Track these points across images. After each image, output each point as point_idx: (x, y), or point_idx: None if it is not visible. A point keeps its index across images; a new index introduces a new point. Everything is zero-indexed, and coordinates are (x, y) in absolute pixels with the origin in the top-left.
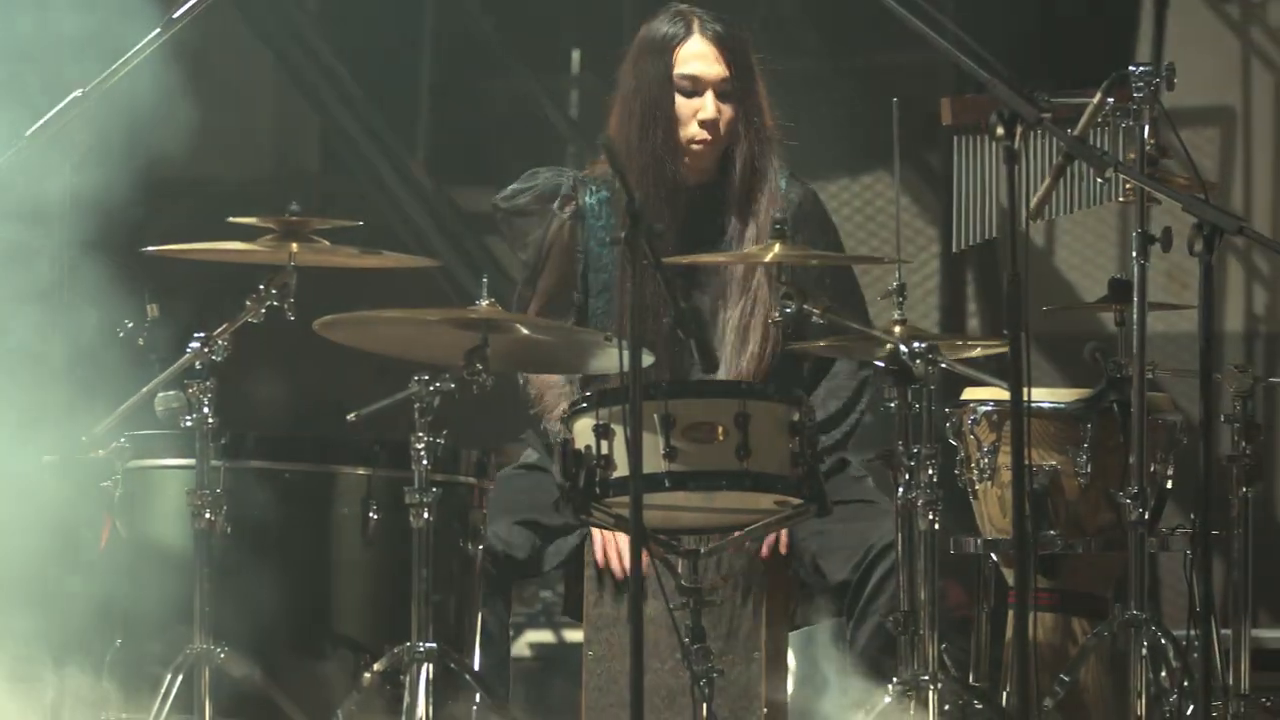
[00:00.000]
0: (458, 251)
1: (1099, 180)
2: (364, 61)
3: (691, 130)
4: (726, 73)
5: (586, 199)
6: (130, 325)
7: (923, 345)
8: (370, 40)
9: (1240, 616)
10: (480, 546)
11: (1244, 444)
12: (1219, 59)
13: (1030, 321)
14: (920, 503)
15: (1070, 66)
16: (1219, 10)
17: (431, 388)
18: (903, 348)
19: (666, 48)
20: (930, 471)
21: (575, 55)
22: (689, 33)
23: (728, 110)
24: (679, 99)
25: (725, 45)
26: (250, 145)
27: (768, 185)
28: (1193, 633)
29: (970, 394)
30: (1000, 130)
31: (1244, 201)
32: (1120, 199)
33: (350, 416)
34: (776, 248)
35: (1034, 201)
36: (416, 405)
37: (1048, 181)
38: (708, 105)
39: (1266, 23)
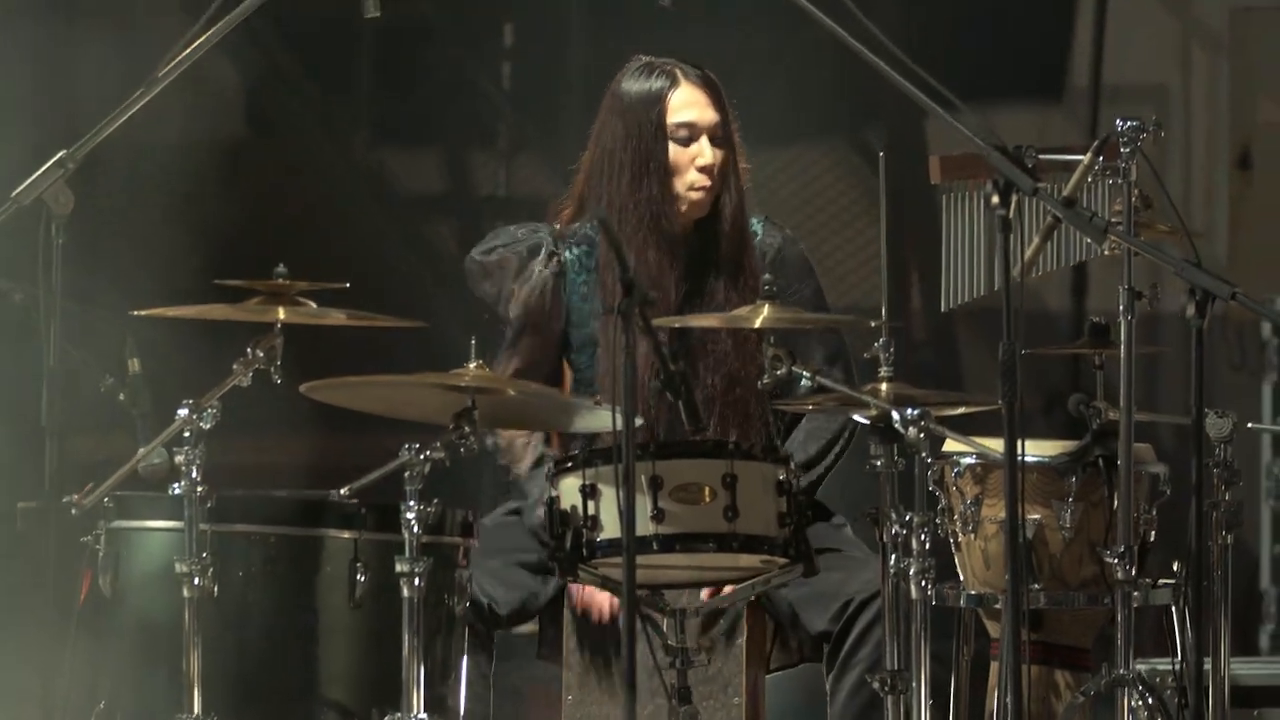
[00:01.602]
0: (398, 229)
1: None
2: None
3: (690, 177)
4: (719, 117)
5: (567, 255)
6: (112, 380)
7: (915, 412)
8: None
9: (1221, 660)
10: (466, 603)
11: (1225, 490)
12: (1157, 38)
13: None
14: (913, 571)
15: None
16: None
17: (421, 456)
18: (894, 414)
19: (655, 99)
20: (924, 539)
21: (508, 28)
22: (675, 82)
23: (721, 155)
24: (674, 148)
25: (712, 90)
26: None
27: (750, 236)
28: (1177, 666)
29: (953, 445)
30: (995, 199)
31: (1182, 177)
32: (1108, 252)
33: (343, 491)
34: (766, 309)
35: (1024, 260)
36: (407, 474)
37: (1037, 240)
38: (705, 151)
39: (1205, 1)
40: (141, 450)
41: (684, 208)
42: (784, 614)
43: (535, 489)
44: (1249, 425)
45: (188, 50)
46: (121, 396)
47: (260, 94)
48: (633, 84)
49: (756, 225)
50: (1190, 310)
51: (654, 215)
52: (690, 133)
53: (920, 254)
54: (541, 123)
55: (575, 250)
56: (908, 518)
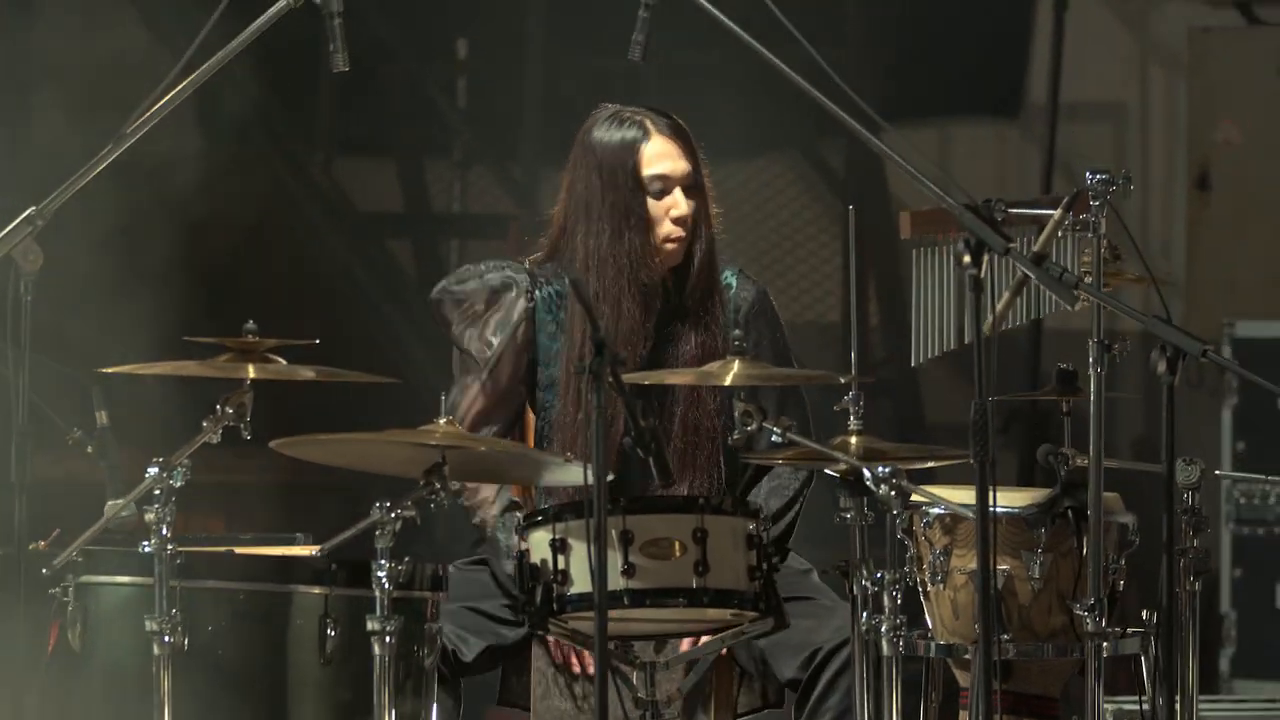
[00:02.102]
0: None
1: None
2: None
3: (666, 229)
4: (690, 167)
5: (537, 293)
6: (80, 433)
7: (885, 470)
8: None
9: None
10: (435, 656)
11: (1193, 537)
12: (1116, 56)
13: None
14: (884, 629)
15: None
16: (1116, 7)
17: (393, 515)
18: (866, 472)
19: (629, 151)
20: (895, 595)
21: (462, 43)
22: (646, 134)
23: (694, 204)
24: (650, 201)
25: (683, 139)
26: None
27: (719, 283)
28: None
29: (920, 497)
30: (967, 259)
31: (1141, 195)
32: (1078, 306)
33: (315, 551)
34: (736, 365)
35: (994, 316)
36: (378, 532)
37: (1007, 296)
38: (680, 202)
39: (1163, 17)
40: (109, 505)
41: (659, 258)
42: (752, 660)
43: (504, 538)
44: (1215, 473)
45: (155, 108)
46: (90, 449)
47: (217, 108)
48: (604, 134)
49: (730, 277)
50: (1161, 367)
51: (634, 267)
52: (664, 184)
53: (880, 266)
54: (497, 138)
55: (545, 289)
56: (879, 575)
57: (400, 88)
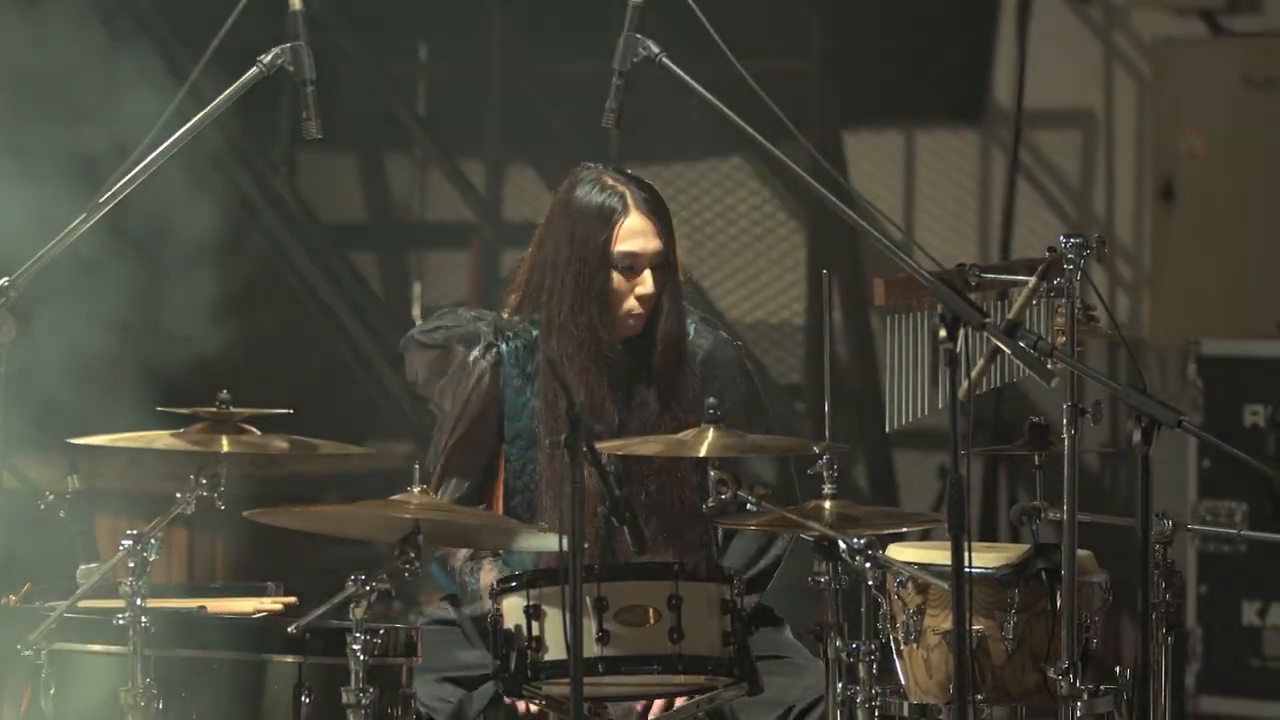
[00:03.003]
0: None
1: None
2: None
3: (629, 305)
4: (661, 246)
5: (504, 346)
6: (52, 497)
7: (861, 541)
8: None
9: None
10: (410, 715)
11: (1166, 591)
12: (1081, 61)
13: None
14: (859, 700)
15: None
16: (1081, 13)
17: (368, 588)
18: (842, 543)
19: (605, 222)
20: (872, 666)
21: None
22: (625, 209)
23: (660, 283)
24: (616, 275)
25: (658, 216)
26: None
27: (685, 353)
28: None
29: (895, 552)
30: (943, 333)
31: (1106, 205)
32: (1054, 383)
33: (290, 629)
34: (711, 434)
35: (969, 382)
36: (353, 606)
37: (981, 363)
38: (646, 282)
39: (1129, 26)
40: (81, 569)
41: (618, 332)
42: (725, 716)
43: (470, 582)
44: (1187, 527)
45: (127, 178)
46: (62, 513)
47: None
48: (584, 196)
49: (690, 324)
50: (1136, 437)
51: (593, 339)
52: (634, 263)
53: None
54: (457, 142)
55: (512, 343)
56: (854, 646)
57: (359, 91)
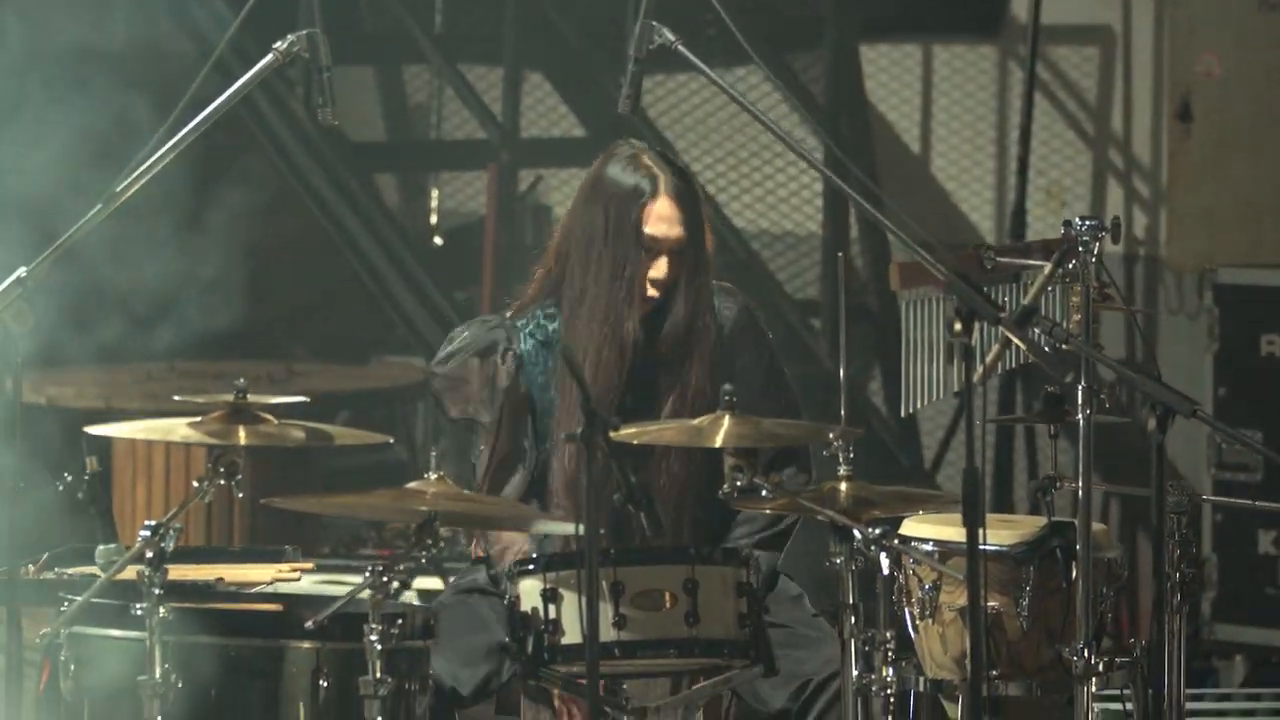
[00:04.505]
0: (334, 180)
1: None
2: None
3: (650, 292)
4: (683, 234)
5: (522, 346)
6: (70, 479)
7: (876, 531)
8: None
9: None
10: (428, 700)
11: (1181, 562)
12: None
13: None
14: (874, 689)
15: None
16: None
17: (385, 579)
18: (857, 533)
19: (635, 202)
20: (889, 658)
21: None
22: (655, 190)
23: (678, 265)
24: (642, 257)
25: (685, 204)
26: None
27: (700, 342)
28: None
29: (910, 529)
30: (958, 326)
31: (1123, 122)
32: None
33: (308, 625)
34: (727, 421)
35: (984, 366)
36: (370, 596)
37: (996, 348)
38: (661, 267)
39: None
40: (100, 550)
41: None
42: (743, 688)
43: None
44: (1203, 498)
45: (147, 164)
46: (80, 495)
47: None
48: (617, 174)
49: (714, 295)
50: (1151, 425)
51: (618, 317)
52: (655, 246)
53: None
54: (474, 56)
55: (529, 342)
56: (870, 634)
57: (375, 6)
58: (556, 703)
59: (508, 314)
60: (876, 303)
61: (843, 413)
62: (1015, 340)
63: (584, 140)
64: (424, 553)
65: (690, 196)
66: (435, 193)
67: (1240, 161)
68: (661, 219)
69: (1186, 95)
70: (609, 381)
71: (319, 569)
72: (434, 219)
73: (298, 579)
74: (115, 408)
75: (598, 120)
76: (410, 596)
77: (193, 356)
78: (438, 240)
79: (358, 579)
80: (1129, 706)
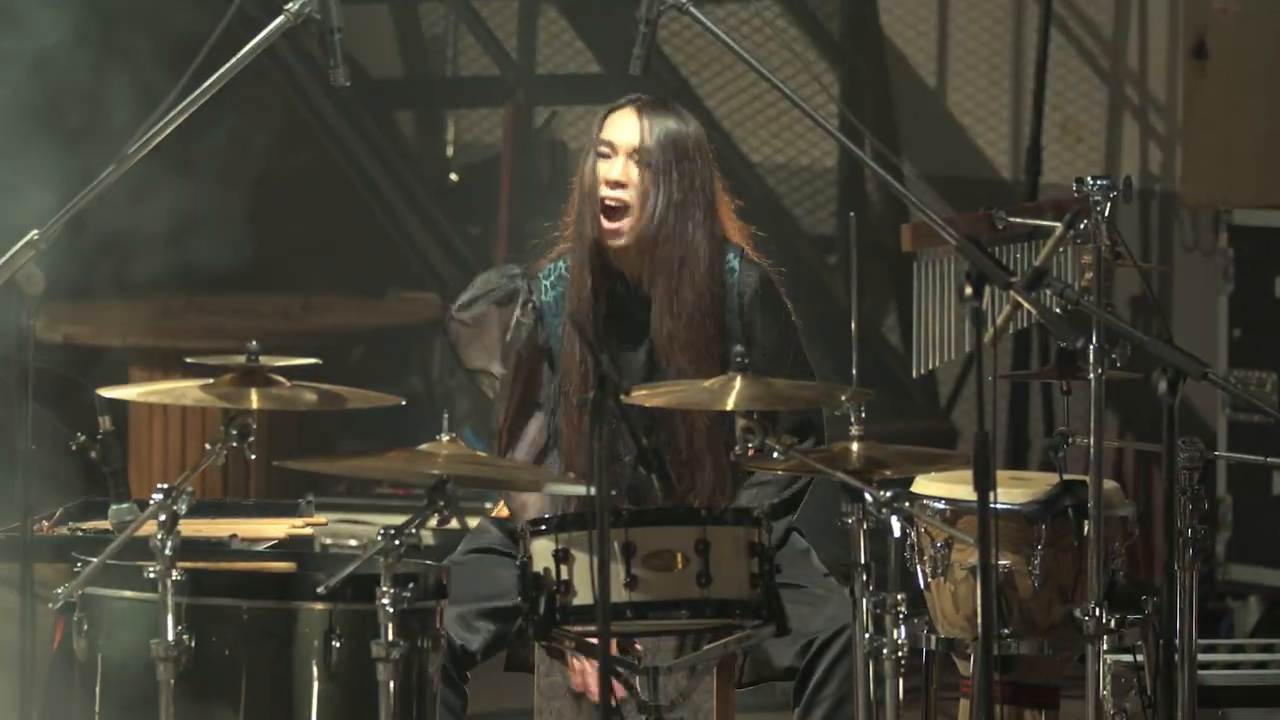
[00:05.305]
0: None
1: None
2: None
3: (600, 192)
4: (640, 141)
5: (542, 297)
6: (83, 438)
7: (887, 494)
8: None
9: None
10: (440, 661)
11: (1195, 519)
12: None
13: None
14: (884, 650)
15: None
16: None
17: (396, 542)
18: (868, 497)
19: (601, 119)
20: (900, 625)
21: None
22: (621, 105)
23: (640, 178)
24: (595, 163)
25: (652, 118)
26: None
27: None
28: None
29: (922, 487)
30: (969, 290)
31: (1139, 57)
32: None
33: (320, 590)
34: (739, 382)
35: (994, 328)
36: (383, 560)
37: (1007, 309)
38: (614, 167)
39: None
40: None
41: (600, 232)
42: (752, 648)
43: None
44: (1215, 454)
45: (159, 125)
46: (93, 454)
47: None
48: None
49: (733, 261)
50: (1162, 388)
51: (587, 240)
52: (610, 150)
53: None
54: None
55: (550, 294)
56: (882, 598)
57: None
58: (569, 658)
59: (530, 265)
60: (892, 239)
61: (854, 372)
62: (1026, 305)
63: (599, 76)
64: (436, 515)
65: (663, 116)
66: (451, 128)
67: (1256, 100)
68: (617, 124)
69: (1202, 32)
70: (586, 303)
71: (335, 508)
72: (450, 151)
73: (310, 535)
74: (132, 344)
75: (613, 56)
76: None
77: (209, 292)
78: (453, 176)
79: (373, 519)
80: (1139, 658)
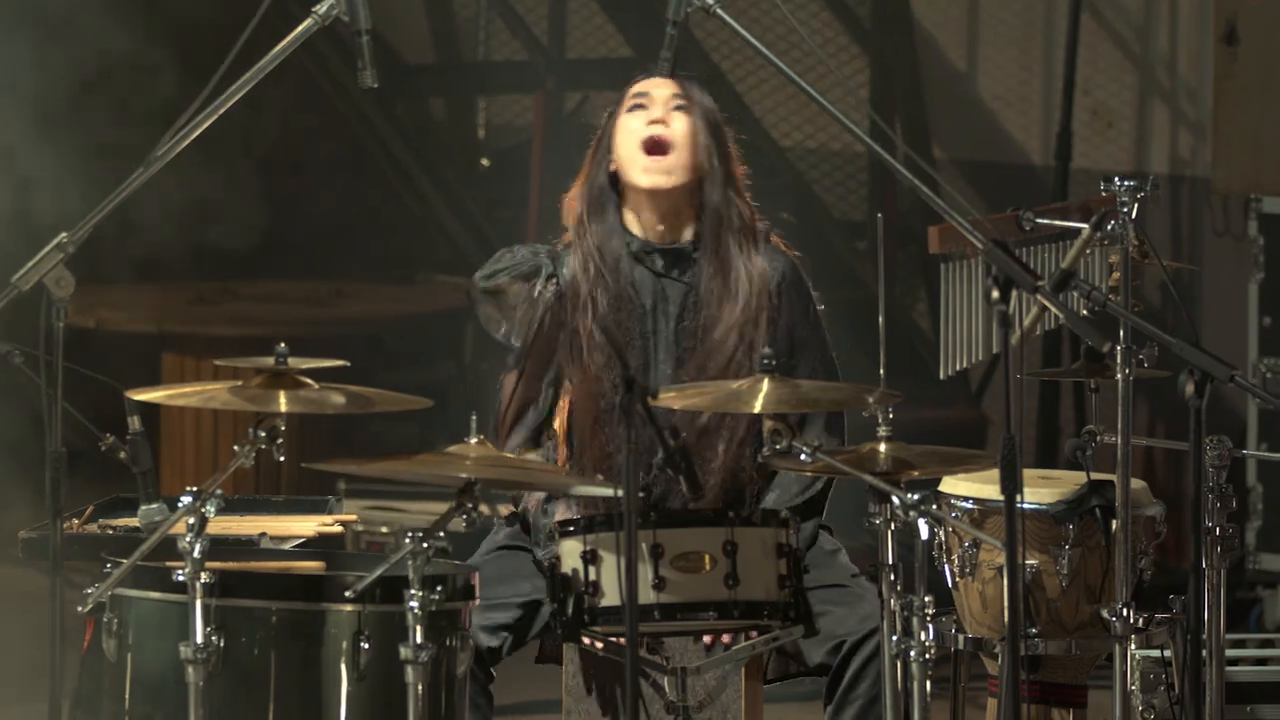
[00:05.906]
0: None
1: (1084, 303)
2: None
3: (643, 133)
4: (678, 90)
5: (565, 273)
6: (113, 439)
7: (915, 497)
8: None
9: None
10: (469, 662)
11: (1222, 515)
12: None
13: None
14: (912, 652)
15: None
16: None
17: (425, 545)
18: (895, 499)
19: (628, 87)
20: (928, 626)
21: None
22: (648, 73)
23: (683, 121)
24: (628, 118)
25: (684, 83)
26: None
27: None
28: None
29: (950, 486)
30: (995, 294)
31: (1169, 42)
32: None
33: (347, 594)
34: (766, 385)
35: (1022, 330)
36: (410, 564)
37: (1035, 311)
38: (656, 109)
39: None
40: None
41: (641, 175)
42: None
43: (544, 523)
44: (1243, 452)
45: (188, 127)
46: (122, 455)
47: None
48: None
49: (760, 248)
50: (1189, 390)
51: (607, 196)
52: (645, 101)
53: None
54: None
55: (573, 271)
56: (909, 599)
57: None
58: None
59: (556, 241)
60: (923, 225)
61: (881, 373)
62: (1053, 309)
63: (630, 60)
64: (464, 514)
65: (698, 90)
66: (483, 113)
67: None
68: (653, 82)
69: (1233, 18)
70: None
71: (367, 494)
72: (481, 135)
73: (340, 532)
74: (166, 331)
75: (644, 40)
76: None
77: (241, 278)
78: (484, 161)
79: (405, 505)
80: (1167, 654)
